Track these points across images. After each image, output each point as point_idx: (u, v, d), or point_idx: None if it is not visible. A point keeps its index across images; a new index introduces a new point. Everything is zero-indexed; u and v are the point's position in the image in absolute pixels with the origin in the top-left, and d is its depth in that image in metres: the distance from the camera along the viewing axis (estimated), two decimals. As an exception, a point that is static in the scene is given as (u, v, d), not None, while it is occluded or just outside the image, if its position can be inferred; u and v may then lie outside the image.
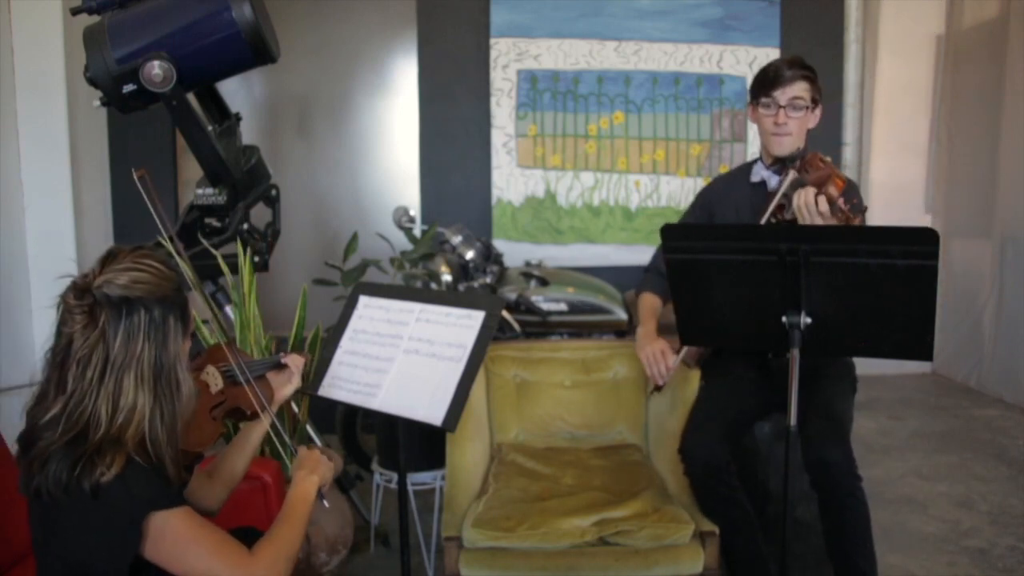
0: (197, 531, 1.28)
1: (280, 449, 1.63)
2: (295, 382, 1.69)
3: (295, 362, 1.69)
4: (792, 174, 2.10)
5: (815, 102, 2.23)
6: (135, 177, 1.51)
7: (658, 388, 2.30)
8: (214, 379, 1.52)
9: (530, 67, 4.73)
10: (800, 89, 2.19)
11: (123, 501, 1.21)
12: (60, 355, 1.25)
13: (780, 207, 2.12)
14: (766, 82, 2.21)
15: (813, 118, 2.24)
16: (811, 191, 1.99)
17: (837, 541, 2.07)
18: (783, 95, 2.19)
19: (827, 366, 2.28)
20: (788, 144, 2.21)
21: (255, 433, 1.65)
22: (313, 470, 1.51)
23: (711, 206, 2.42)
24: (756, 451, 2.31)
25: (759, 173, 2.34)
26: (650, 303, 2.45)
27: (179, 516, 1.27)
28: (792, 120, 2.19)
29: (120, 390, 1.23)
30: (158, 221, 1.53)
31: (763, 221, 2.11)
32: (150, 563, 1.27)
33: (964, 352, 5.04)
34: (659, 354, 2.24)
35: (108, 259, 1.27)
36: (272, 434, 1.60)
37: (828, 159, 2.12)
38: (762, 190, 2.30)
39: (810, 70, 2.22)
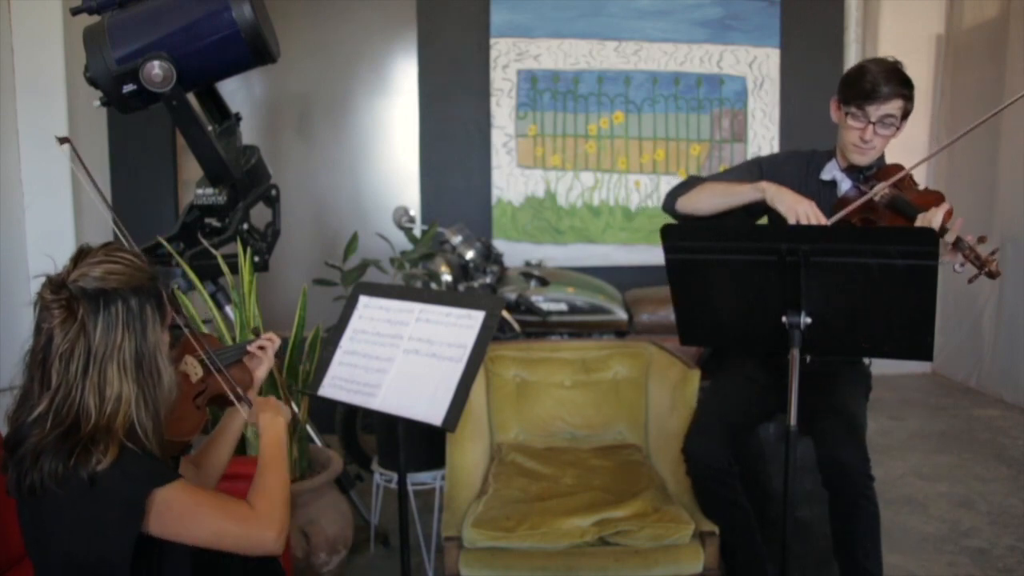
0: (199, 496, 1.29)
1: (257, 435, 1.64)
2: (267, 363, 1.70)
3: (267, 344, 1.70)
4: (884, 187, 2.01)
5: (905, 115, 2.10)
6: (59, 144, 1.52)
7: None
8: (193, 368, 1.53)
9: (530, 67, 4.73)
10: (894, 107, 2.05)
11: (121, 486, 1.22)
12: (41, 352, 1.25)
13: (866, 220, 2.03)
14: (860, 93, 2.05)
15: (900, 130, 2.12)
16: (940, 214, 1.88)
17: (846, 541, 2.06)
18: (876, 111, 2.05)
19: (843, 369, 2.27)
20: (870, 157, 2.12)
21: (236, 421, 1.66)
22: (277, 412, 1.53)
23: (775, 180, 2.24)
24: (760, 451, 2.30)
25: (831, 172, 2.22)
26: (715, 185, 2.20)
27: (179, 487, 1.27)
28: (879, 137, 2.08)
29: (105, 381, 1.24)
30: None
31: (833, 222, 2.01)
32: (150, 549, 1.27)
33: (964, 352, 5.04)
34: (813, 215, 2.00)
35: (80, 256, 1.28)
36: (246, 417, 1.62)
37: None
38: (831, 190, 2.21)
39: (908, 86, 2.07)
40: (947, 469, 3.60)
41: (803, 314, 1.67)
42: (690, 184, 2.27)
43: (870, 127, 2.06)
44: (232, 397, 1.57)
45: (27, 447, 1.23)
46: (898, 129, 2.10)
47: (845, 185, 2.18)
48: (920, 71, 5.26)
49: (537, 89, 4.74)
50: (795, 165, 2.29)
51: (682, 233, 1.82)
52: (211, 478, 1.61)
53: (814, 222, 1.99)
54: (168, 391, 1.32)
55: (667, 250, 1.79)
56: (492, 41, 4.70)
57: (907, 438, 4.05)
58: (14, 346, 1.30)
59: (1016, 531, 2.95)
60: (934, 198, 1.99)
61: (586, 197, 4.82)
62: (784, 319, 1.69)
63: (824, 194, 2.19)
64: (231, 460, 1.67)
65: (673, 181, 4.76)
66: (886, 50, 5.16)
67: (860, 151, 2.11)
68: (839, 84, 2.15)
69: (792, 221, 2.01)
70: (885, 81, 2.04)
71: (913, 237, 1.60)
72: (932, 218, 1.89)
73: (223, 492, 1.63)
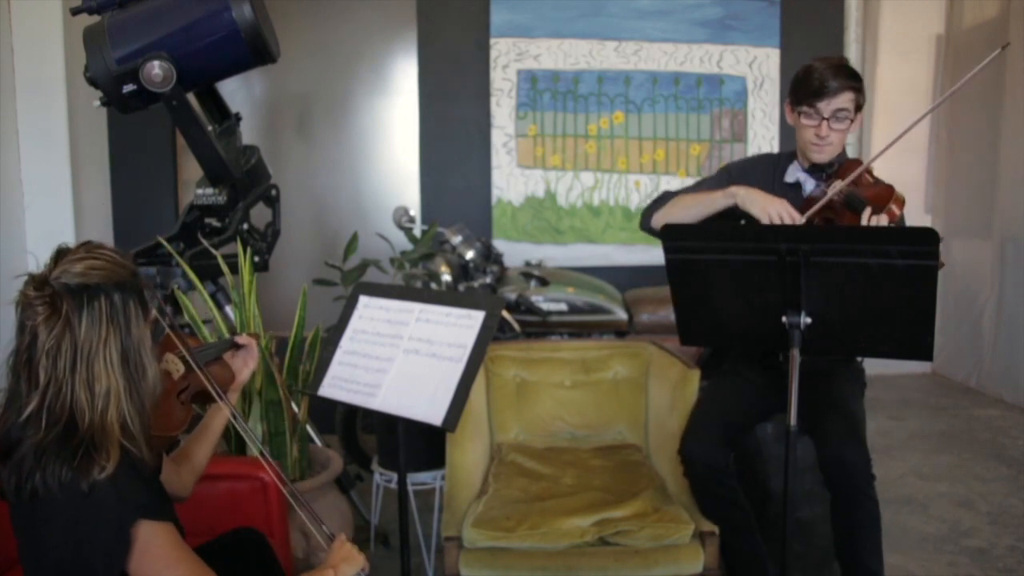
0: (181, 553, 1.28)
1: (240, 432, 1.63)
2: (251, 365, 1.70)
3: (251, 342, 1.69)
4: (840, 184, 2.03)
5: (859, 108, 2.13)
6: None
7: None
8: (174, 366, 1.53)
9: (530, 67, 4.73)
10: (845, 100, 2.08)
11: (115, 505, 1.21)
12: (27, 352, 1.24)
13: (827, 220, 2.04)
14: (810, 91, 2.09)
15: (855, 124, 2.16)
16: (886, 219, 1.91)
17: (848, 540, 2.06)
18: (827, 107, 2.08)
19: (838, 367, 2.27)
20: (829, 153, 2.14)
21: (216, 419, 1.66)
22: (333, 565, 1.50)
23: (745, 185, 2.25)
24: (758, 451, 2.31)
25: (794, 174, 2.24)
26: (687, 196, 2.24)
27: (167, 531, 1.27)
28: (835, 132, 2.11)
29: (93, 376, 1.23)
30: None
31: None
32: None
33: (964, 352, 5.04)
34: (786, 214, 2.01)
35: (60, 255, 1.28)
36: (231, 417, 1.62)
37: (874, 173, 2.07)
38: (796, 192, 2.21)
39: (856, 79, 2.11)
40: (947, 469, 3.60)
41: (803, 314, 1.67)
42: (663, 200, 2.30)
43: (824, 123, 2.09)
44: (213, 393, 1.57)
45: (25, 449, 1.23)
46: (852, 122, 2.13)
47: (809, 185, 2.20)
48: (920, 71, 5.27)
49: (537, 89, 4.74)
50: (763, 169, 2.32)
51: (682, 233, 1.82)
52: (192, 475, 1.61)
53: (788, 222, 2.00)
54: (153, 386, 1.31)
55: (667, 250, 1.79)
56: (492, 41, 4.70)
57: (907, 438, 4.05)
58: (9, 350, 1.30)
59: (1016, 531, 2.95)
60: (886, 191, 2.02)
61: (586, 197, 4.82)
62: (784, 319, 1.69)
63: (790, 196, 2.18)
64: (229, 461, 1.67)
65: (673, 181, 4.80)
66: (886, 50, 5.19)
67: (818, 148, 2.14)
68: (789, 88, 2.19)
69: (766, 222, 2.02)
70: (833, 76, 2.07)
71: (913, 237, 1.60)
72: (879, 220, 1.90)
73: (203, 492, 1.64)
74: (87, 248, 1.29)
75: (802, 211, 2.05)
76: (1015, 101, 4.56)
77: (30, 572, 1.32)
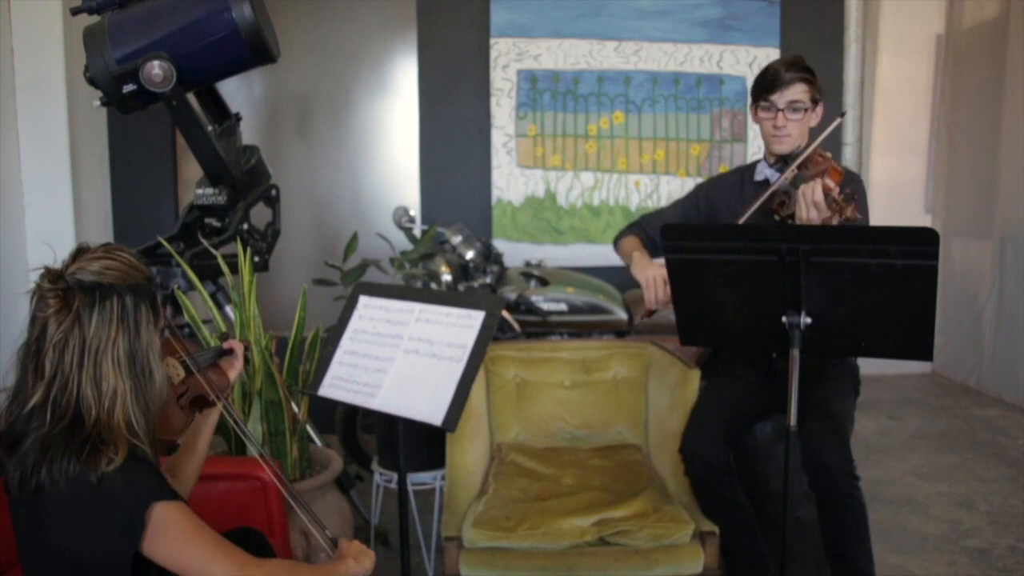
0: (198, 525, 1.29)
1: (239, 432, 1.64)
2: (238, 366, 1.71)
3: (237, 347, 1.71)
4: (793, 170, 2.14)
5: (815, 101, 2.24)
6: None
7: (650, 313, 2.32)
8: (175, 370, 1.55)
9: (530, 67, 4.73)
10: (798, 92, 2.20)
11: (125, 492, 1.22)
12: (35, 343, 1.26)
13: (781, 203, 2.15)
14: (764, 85, 2.23)
15: (814, 117, 2.26)
16: (815, 184, 2.02)
17: (835, 541, 2.07)
18: (781, 98, 2.20)
19: (830, 367, 2.28)
20: (789, 144, 2.24)
21: (208, 422, 1.67)
22: (347, 560, 1.50)
23: (715, 200, 2.43)
24: (757, 451, 2.31)
25: (763, 172, 2.36)
26: (632, 242, 2.47)
27: (181, 509, 1.28)
28: (791, 122, 2.22)
29: (101, 374, 1.24)
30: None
31: (748, 215, 2.14)
32: (148, 563, 1.27)
33: (964, 352, 5.04)
34: (660, 280, 2.25)
35: (79, 252, 1.30)
36: (226, 415, 1.63)
37: (828, 154, 2.16)
38: (765, 188, 2.29)
39: (808, 71, 2.22)
40: (947, 469, 3.60)
41: (803, 314, 1.68)
42: (635, 225, 2.53)
43: (779, 114, 2.22)
44: (212, 397, 1.58)
45: (30, 443, 1.23)
46: (808, 112, 2.23)
47: (774, 178, 2.28)
48: (920, 71, 5.27)
49: (537, 89, 4.74)
50: (733, 177, 2.48)
51: (682, 233, 1.83)
52: (191, 475, 1.62)
53: (661, 286, 2.23)
54: (160, 391, 1.33)
55: (667, 250, 1.80)
56: (492, 41, 4.70)
57: (907, 438, 4.05)
58: (13, 345, 1.30)
59: (1016, 531, 2.95)
60: (824, 166, 2.11)
61: (586, 197, 4.82)
62: (784, 319, 1.69)
63: (759, 194, 2.28)
64: (229, 461, 1.67)
65: (673, 181, 4.81)
66: (886, 50, 5.20)
67: (778, 139, 2.25)
68: (751, 91, 2.34)
69: (643, 285, 2.29)
70: (786, 69, 2.21)
71: (913, 237, 1.60)
72: (813, 189, 2.01)
73: (203, 492, 1.64)
74: (106, 249, 1.31)
75: (767, 202, 2.17)
76: (1015, 101, 4.56)
77: (29, 567, 1.32)
